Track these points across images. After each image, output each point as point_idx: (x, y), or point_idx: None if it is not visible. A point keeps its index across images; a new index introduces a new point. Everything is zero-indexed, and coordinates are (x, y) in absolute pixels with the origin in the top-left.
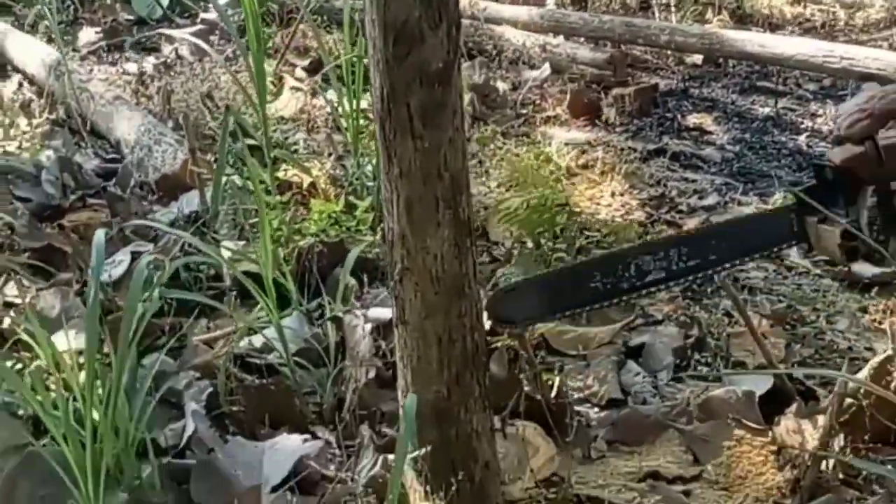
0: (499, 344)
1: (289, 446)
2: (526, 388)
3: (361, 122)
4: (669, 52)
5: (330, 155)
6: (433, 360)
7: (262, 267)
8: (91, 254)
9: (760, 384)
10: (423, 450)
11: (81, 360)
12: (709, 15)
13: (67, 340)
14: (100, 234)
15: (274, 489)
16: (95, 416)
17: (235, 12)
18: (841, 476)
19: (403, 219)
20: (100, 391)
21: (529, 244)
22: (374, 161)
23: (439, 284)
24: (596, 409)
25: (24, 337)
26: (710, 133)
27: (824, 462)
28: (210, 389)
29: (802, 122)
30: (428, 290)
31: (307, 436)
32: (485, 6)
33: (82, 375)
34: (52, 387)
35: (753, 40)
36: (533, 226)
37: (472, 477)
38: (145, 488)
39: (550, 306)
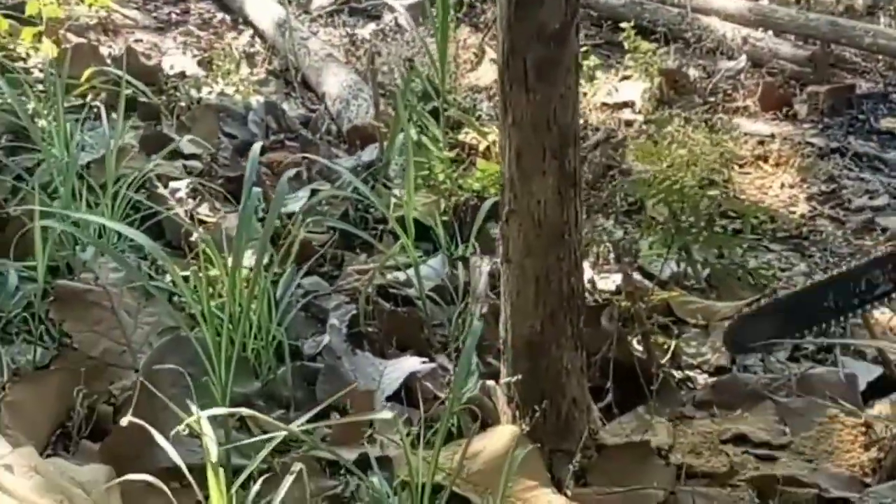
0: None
1: (407, 365)
2: (636, 347)
3: None
4: (881, 57)
5: None
6: (530, 296)
7: (405, 210)
8: (276, 187)
9: (870, 371)
10: (516, 377)
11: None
12: None
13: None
14: (285, 176)
15: (388, 399)
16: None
17: None
18: None
19: (513, 165)
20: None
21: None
22: None
23: (541, 228)
24: (704, 376)
25: (205, 248)
26: None
27: None
28: (353, 311)
29: None
30: (530, 232)
31: (425, 359)
32: None
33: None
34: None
35: None
36: (661, 196)
37: (559, 409)
38: (278, 383)
39: (787, 330)
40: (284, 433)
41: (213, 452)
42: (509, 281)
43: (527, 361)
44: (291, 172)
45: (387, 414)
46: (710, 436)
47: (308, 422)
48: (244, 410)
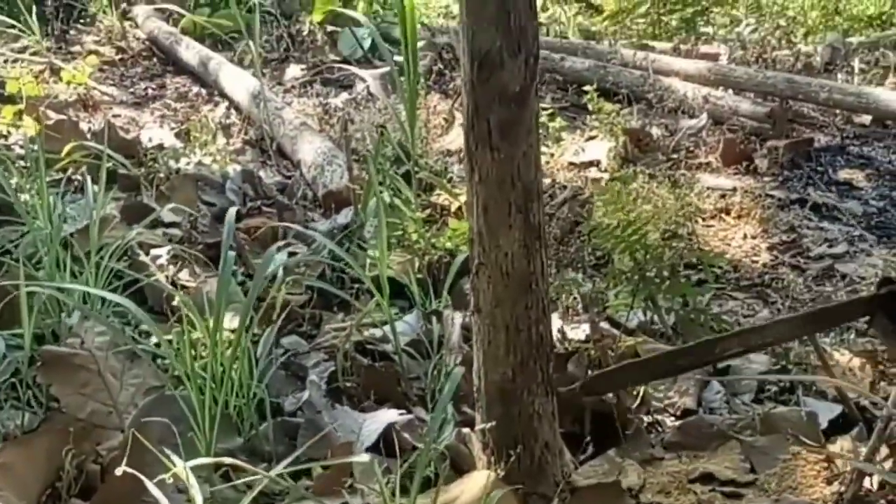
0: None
1: (385, 417)
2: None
3: None
4: (837, 111)
5: None
6: (501, 345)
7: (379, 269)
8: (256, 252)
9: (831, 410)
10: (490, 423)
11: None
12: (891, 77)
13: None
14: (274, 247)
15: (367, 450)
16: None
17: (424, 55)
18: (888, 497)
19: (481, 219)
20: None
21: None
22: None
23: (509, 279)
24: (671, 419)
25: (187, 312)
26: (858, 188)
27: (869, 480)
28: (332, 368)
29: None
30: (499, 283)
31: (403, 411)
32: (655, 58)
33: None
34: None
35: None
36: (627, 247)
37: (533, 453)
38: (260, 438)
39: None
40: (268, 478)
41: (199, 501)
42: (480, 330)
43: (500, 407)
44: (280, 244)
45: (365, 457)
46: (679, 476)
47: (290, 473)
48: (227, 460)
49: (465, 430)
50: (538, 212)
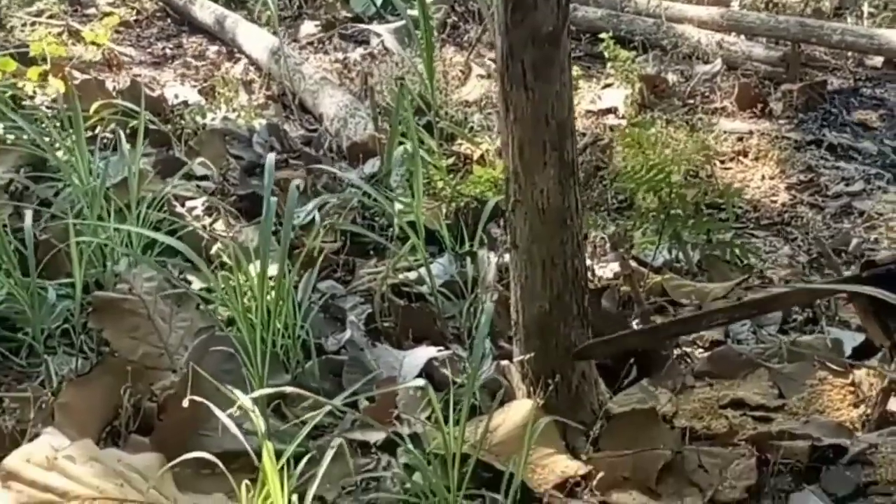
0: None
1: (425, 353)
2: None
3: None
4: (850, 54)
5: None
6: (538, 279)
7: (415, 213)
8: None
9: (854, 338)
10: (529, 355)
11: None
12: None
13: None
14: (293, 185)
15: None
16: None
17: (438, 8)
18: None
19: (516, 158)
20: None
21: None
22: None
23: (544, 215)
24: (700, 350)
25: (226, 260)
26: (872, 129)
27: (894, 402)
28: (369, 310)
29: None
30: (535, 220)
31: (441, 348)
32: (667, 6)
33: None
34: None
35: None
36: (651, 188)
37: (570, 383)
38: (307, 376)
39: None
40: (329, 407)
41: (262, 425)
42: (517, 266)
43: (537, 340)
44: (298, 181)
45: (419, 381)
46: (710, 402)
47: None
48: (289, 389)
49: (505, 362)
50: (572, 149)
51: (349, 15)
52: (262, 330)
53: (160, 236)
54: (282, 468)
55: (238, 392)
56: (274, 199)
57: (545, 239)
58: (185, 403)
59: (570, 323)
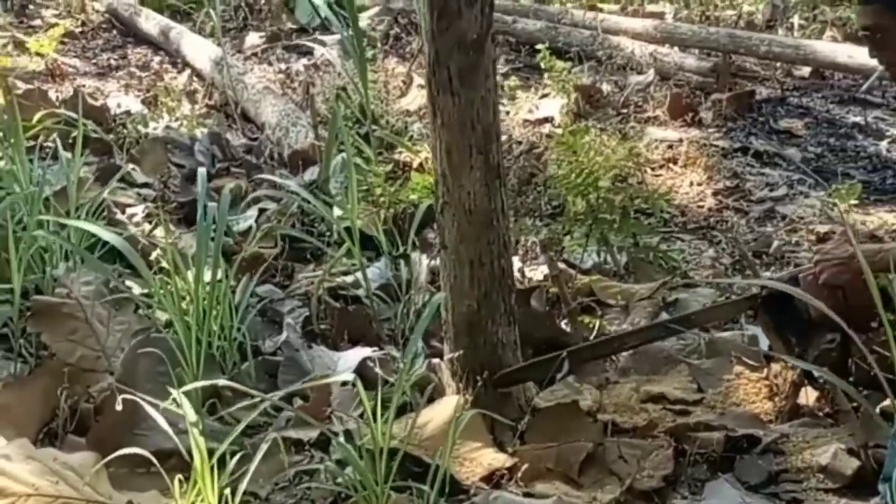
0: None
1: (359, 354)
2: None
3: None
4: (779, 65)
5: None
6: (466, 278)
7: (350, 219)
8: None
9: None
10: (458, 353)
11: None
12: (828, 32)
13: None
14: (226, 192)
15: (343, 385)
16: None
17: (381, 20)
18: (823, 408)
19: (444, 161)
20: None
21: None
22: None
23: (471, 216)
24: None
25: (165, 265)
26: (797, 136)
27: (804, 395)
28: (307, 313)
29: (888, 130)
30: (462, 221)
31: (375, 348)
32: (603, 17)
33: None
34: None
35: (842, 51)
36: (579, 192)
37: None
38: (243, 376)
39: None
40: (264, 406)
41: (192, 416)
42: (446, 266)
43: (466, 338)
44: (231, 185)
45: (348, 376)
46: (632, 397)
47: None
48: (222, 382)
49: (436, 360)
50: (497, 153)
51: (294, 27)
52: (197, 331)
53: (101, 231)
54: (215, 466)
55: (170, 389)
56: (213, 204)
57: (472, 239)
58: (119, 404)
59: (497, 321)
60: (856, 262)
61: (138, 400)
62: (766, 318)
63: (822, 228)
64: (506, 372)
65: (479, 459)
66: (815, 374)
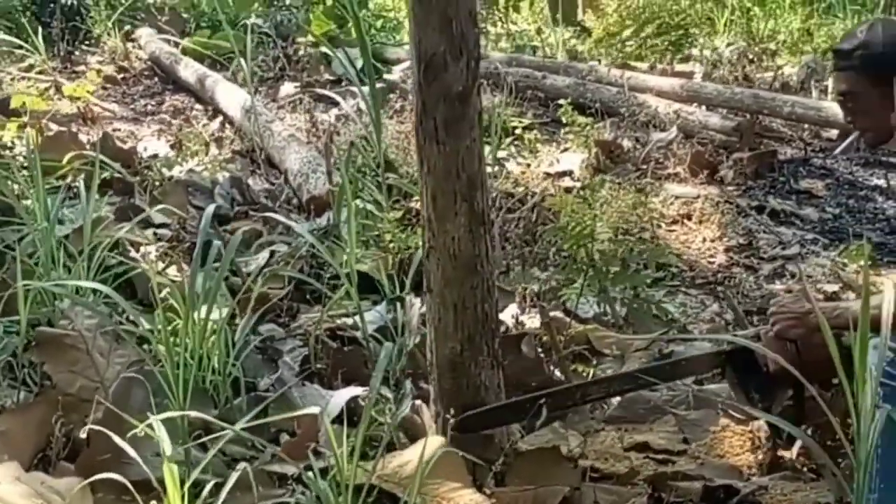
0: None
1: (348, 392)
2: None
3: None
4: (807, 127)
5: None
6: (450, 322)
7: (348, 263)
8: (241, 251)
9: None
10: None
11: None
12: None
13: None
14: (237, 234)
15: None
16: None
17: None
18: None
19: (430, 207)
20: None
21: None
22: None
23: (456, 261)
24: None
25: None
26: (817, 197)
27: (789, 449)
28: (305, 352)
29: None
30: (447, 265)
31: (366, 388)
32: (630, 75)
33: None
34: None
35: None
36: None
37: None
38: (234, 411)
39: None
40: (231, 433)
41: (168, 448)
42: (432, 309)
43: (450, 380)
44: (245, 228)
45: (314, 409)
46: (617, 445)
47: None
48: (194, 413)
49: (419, 402)
50: (482, 200)
51: (331, 77)
52: (192, 366)
53: (91, 284)
54: (195, 496)
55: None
56: (218, 242)
57: (457, 283)
58: (83, 433)
59: (480, 364)
60: (811, 318)
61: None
62: (731, 374)
63: (831, 288)
64: (472, 413)
65: (456, 499)
66: (781, 427)
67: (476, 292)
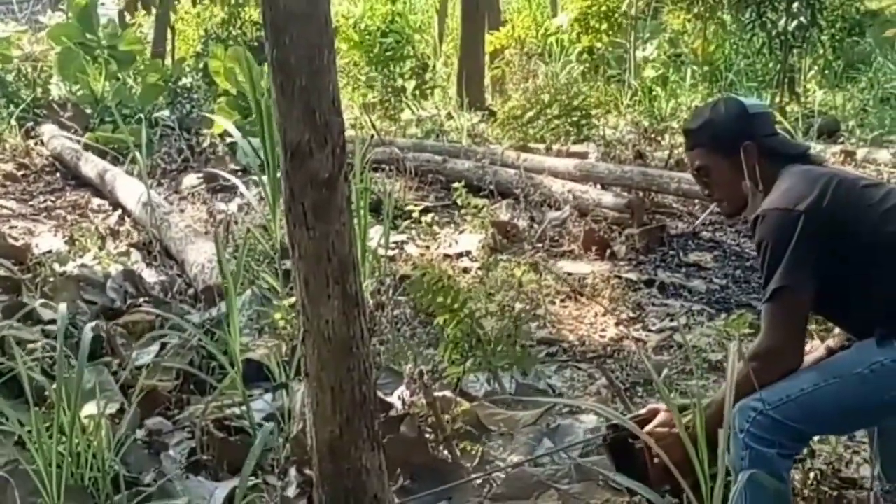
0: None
1: (232, 484)
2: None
3: None
4: (697, 201)
5: None
6: (327, 405)
7: (230, 352)
8: (130, 344)
9: None
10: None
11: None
12: None
13: (97, 405)
14: (86, 331)
15: None
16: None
17: None
18: None
19: (303, 291)
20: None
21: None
22: None
23: (331, 343)
24: (504, 473)
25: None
26: (705, 269)
27: None
28: (193, 444)
29: None
30: (322, 349)
31: (253, 478)
32: (526, 157)
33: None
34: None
35: None
36: (452, 317)
37: None
38: None
39: None
40: None
41: None
42: (309, 393)
43: (330, 463)
44: (136, 320)
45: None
46: None
47: None
48: None
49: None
50: (355, 282)
51: (237, 167)
52: (69, 464)
53: None
54: None
55: None
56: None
57: (332, 366)
58: None
59: (360, 446)
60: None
61: None
62: (610, 459)
63: (715, 357)
64: None
65: None
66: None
67: (353, 374)
